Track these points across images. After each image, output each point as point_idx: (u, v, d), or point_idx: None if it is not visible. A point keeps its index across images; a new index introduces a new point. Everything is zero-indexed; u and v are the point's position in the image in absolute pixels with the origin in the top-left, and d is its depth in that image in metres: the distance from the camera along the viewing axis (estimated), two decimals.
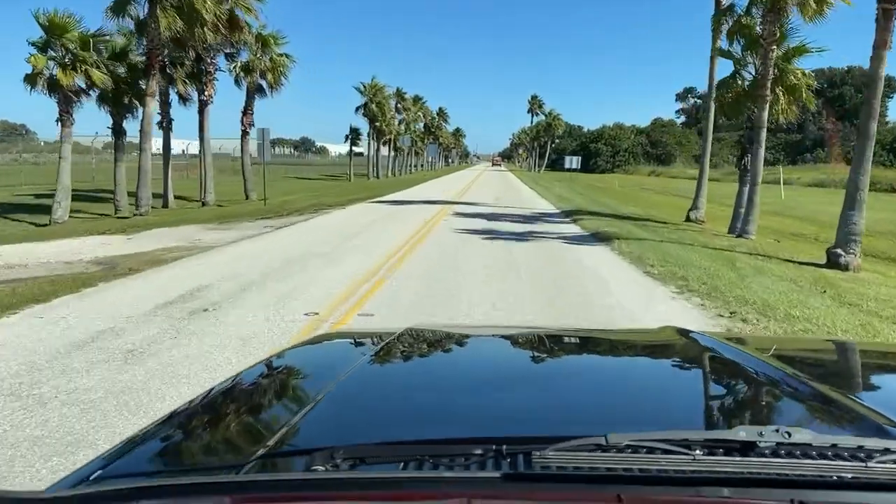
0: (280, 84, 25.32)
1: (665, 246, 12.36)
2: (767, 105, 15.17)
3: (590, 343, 2.25)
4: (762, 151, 15.40)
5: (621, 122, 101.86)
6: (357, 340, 2.19)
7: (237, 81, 25.08)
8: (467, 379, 1.66)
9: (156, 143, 22.20)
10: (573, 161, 37.29)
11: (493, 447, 0.98)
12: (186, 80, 21.71)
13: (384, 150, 59.49)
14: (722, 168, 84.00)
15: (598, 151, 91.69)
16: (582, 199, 28.50)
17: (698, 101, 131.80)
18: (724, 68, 17.68)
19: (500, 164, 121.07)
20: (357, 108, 49.92)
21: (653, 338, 2.24)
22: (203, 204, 21.78)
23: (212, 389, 1.61)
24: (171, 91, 22.22)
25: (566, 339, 2.33)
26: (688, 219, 19.38)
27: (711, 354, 1.85)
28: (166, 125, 22.16)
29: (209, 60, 21.56)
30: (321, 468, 0.95)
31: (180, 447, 1.35)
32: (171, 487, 0.97)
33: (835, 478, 0.90)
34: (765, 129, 15.31)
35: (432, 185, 39.69)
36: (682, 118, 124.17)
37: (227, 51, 24.80)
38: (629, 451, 0.92)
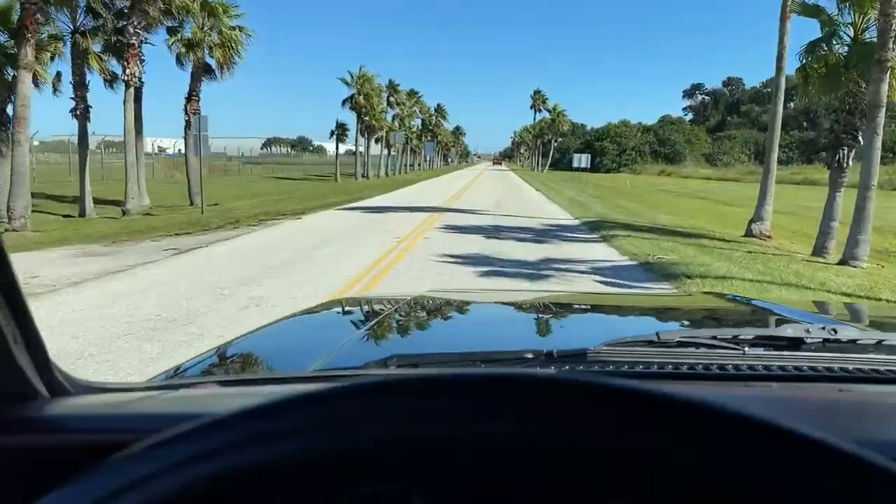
0: (232, 63, 20.58)
1: (767, 290, 7.69)
2: (888, 74, 10.55)
3: (626, 296, 2.22)
4: (878, 142, 10.76)
5: (626, 118, 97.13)
6: (377, 304, 2.20)
7: (179, 60, 20.41)
8: (507, 317, 1.69)
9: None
10: (582, 159, 32.64)
11: (544, 351, 0.98)
12: (102, 56, 17.03)
13: (377, 149, 54.89)
14: (734, 167, 79.48)
15: (603, 150, 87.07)
16: (600, 203, 23.72)
17: (706, 98, 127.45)
18: (798, 36, 13.13)
19: (500, 164, 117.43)
20: (343, 102, 45.15)
21: (690, 297, 2.31)
22: (124, 212, 17.14)
23: (256, 329, 1.63)
24: (89, 72, 17.62)
25: (598, 296, 2.49)
26: (749, 233, 14.77)
27: (750, 304, 1.95)
28: (82, 112, 17.55)
29: (131, 30, 16.86)
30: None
31: (234, 366, 1.40)
32: (248, 380, 1.03)
33: (880, 370, 0.90)
34: (883, 110, 10.67)
35: (426, 186, 35.06)
36: (690, 115, 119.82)
37: (170, 24, 20.30)
38: (680, 347, 0.95)
